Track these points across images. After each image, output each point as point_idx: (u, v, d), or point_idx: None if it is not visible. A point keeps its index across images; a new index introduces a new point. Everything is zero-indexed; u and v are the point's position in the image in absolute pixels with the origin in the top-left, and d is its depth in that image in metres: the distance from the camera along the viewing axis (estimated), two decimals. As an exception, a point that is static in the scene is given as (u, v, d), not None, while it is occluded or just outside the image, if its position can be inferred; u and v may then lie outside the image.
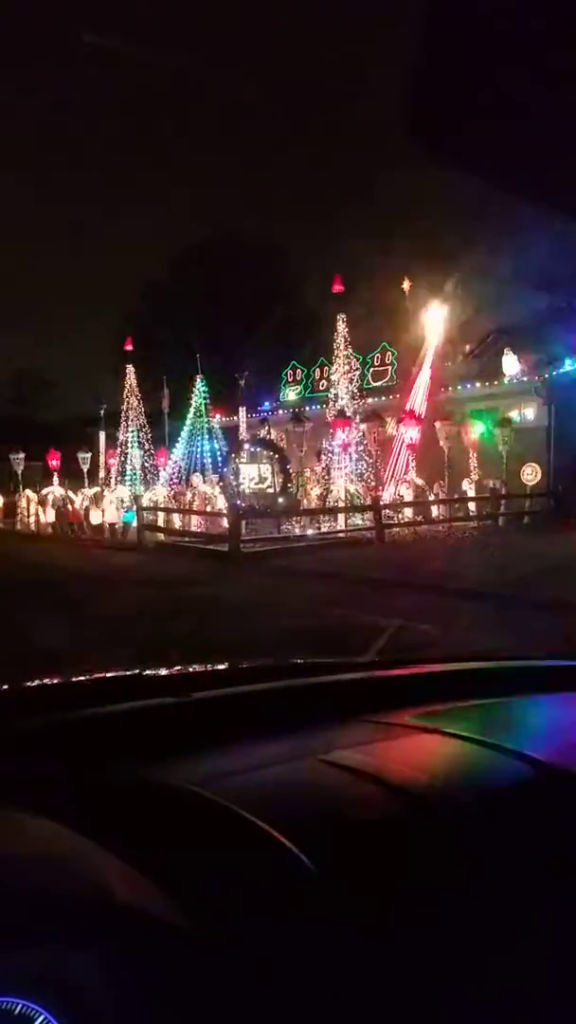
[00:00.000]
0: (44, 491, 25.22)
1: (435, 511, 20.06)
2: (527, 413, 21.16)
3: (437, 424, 20.71)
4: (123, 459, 26.41)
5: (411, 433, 20.57)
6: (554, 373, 20.28)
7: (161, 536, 19.93)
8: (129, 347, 26.60)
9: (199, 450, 24.69)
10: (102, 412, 28.00)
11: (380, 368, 24.03)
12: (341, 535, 18.12)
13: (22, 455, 27.06)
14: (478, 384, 22.04)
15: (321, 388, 24.56)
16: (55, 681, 1.59)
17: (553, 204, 0.94)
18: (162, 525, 21.21)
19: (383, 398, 23.13)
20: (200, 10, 44.00)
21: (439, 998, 0.80)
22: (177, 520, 21.57)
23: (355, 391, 22.17)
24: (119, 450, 26.58)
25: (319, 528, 19.19)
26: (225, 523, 17.08)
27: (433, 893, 0.90)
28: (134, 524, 21.03)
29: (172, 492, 23.84)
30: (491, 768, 1.19)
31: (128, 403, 26.40)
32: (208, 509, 21.18)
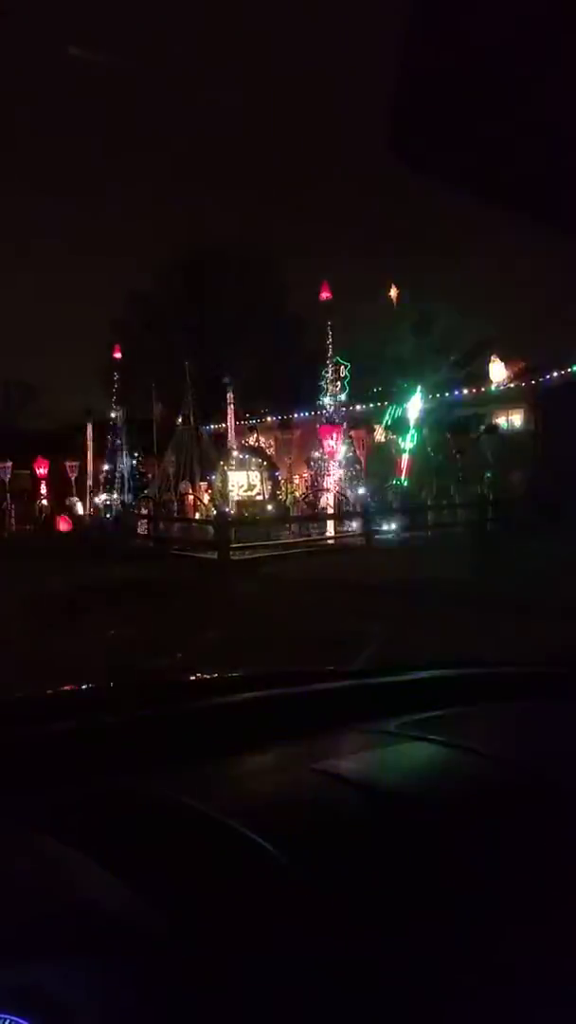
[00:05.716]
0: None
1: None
2: (514, 420, 21.31)
3: (424, 431, 20.79)
4: (111, 467, 26.32)
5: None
6: (540, 380, 20.45)
7: (149, 543, 19.85)
8: (117, 355, 26.53)
9: (187, 457, 24.64)
10: (89, 421, 27.90)
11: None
12: (331, 541, 18.12)
13: (8, 464, 26.90)
14: (464, 391, 22.17)
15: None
16: (41, 692, 1.58)
17: (538, 216, 0.95)
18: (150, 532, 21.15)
19: (370, 405, 23.18)
20: (186, 20, 44.18)
21: (427, 1005, 0.80)
22: (174, 527, 21.52)
23: (343, 398, 22.21)
24: (107, 458, 26.48)
25: (308, 535, 19.19)
26: (213, 531, 17.04)
27: (423, 901, 0.90)
28: None
29: (160, 499, 23.76)
30: (481, 775, 1.19)
31: (116, 411, 26.32)
32: (197, 516, 21.13)
